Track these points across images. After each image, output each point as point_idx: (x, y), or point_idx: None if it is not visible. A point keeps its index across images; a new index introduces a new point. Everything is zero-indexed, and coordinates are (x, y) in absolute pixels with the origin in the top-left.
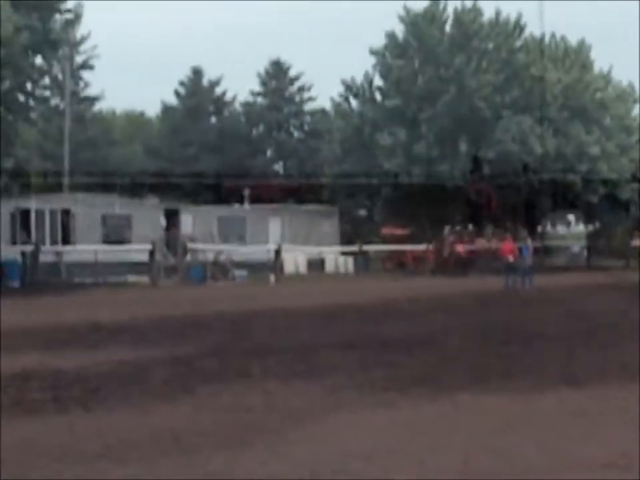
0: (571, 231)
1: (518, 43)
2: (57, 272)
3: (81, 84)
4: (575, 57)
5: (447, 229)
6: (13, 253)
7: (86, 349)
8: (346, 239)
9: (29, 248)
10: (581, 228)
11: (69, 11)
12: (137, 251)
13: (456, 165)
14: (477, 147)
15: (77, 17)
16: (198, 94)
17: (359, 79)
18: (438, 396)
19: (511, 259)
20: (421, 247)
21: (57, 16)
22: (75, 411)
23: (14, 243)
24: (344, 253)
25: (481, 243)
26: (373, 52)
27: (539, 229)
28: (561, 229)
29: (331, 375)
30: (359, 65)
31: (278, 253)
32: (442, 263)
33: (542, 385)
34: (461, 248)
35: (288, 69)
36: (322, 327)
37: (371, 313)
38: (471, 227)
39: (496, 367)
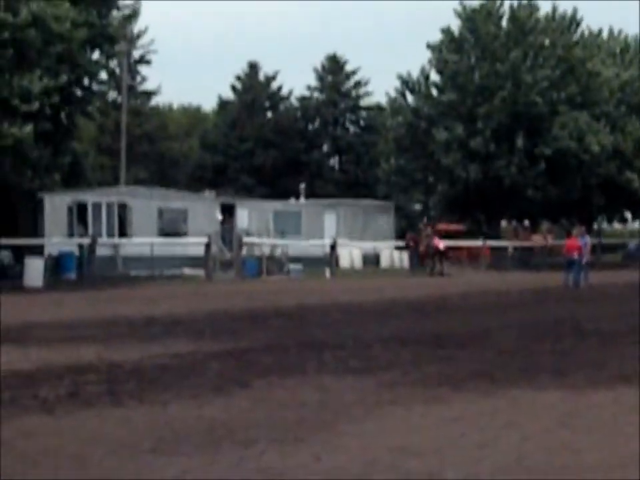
0: (627, 228)
1: (574, 38)
2: (113, 265)
3: (138, 78)
4: (633, 53)
5: (423, 222)
6: (70, 245)
7: (141, 342)
8: (401, 234)
9: (85, 241)
10: (637, 225)
11: (126, 6)
12: (193, 245)
13: (512, 160)
14: (533, 142)
15: (135, 13)
16: (254, 88)
17: (415, 73)
18: (492, 392)
19: (575, 255)
20: (477, 242)
21: (115, 12)
22: (130, 404)
23: (71, 235)
24: (399, 248)
25: (537, 239)
26: (429, 47)
27: (595, 225)
28: (617, 226)
29: (385, 371)
30: (416, 59)
31: (333, 247)
32: (420, 257)
33: (597, 381)
34: (438, 243)
35: (344, 64)
36: (377, 322)
37: (426, 307)
38: (527, 222)
39: (550, 363)
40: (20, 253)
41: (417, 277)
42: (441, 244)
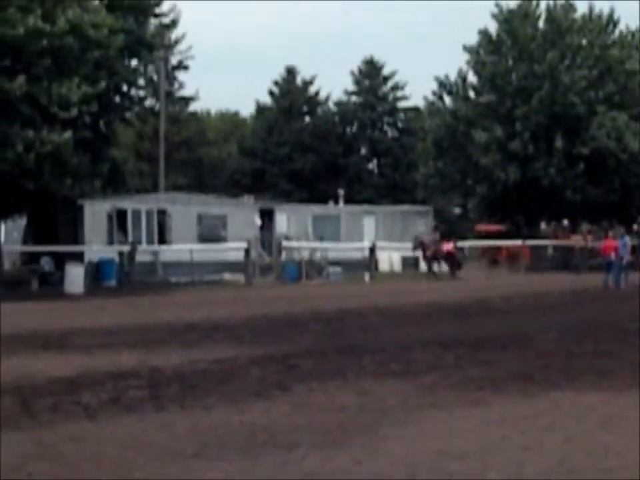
0: None
1: (612, 38)
2: (153, 271)
3: (176, 84)
4: None
5: (432, 228)
6: (109, 252)
7: (182, 347)
8: (440, 237)
9: (125, 248)
10: None
11: (164, 14)
12: (232, 250)
13: (551, 161)
14: (571, 143)
15: (173, 21)
16: (292, 93)
17: (452, 76)
18: (533, 394)
19: (612, 256)
20: (516, 243)
21: (152, 19)
22: (172, 409)
23: (111, 242)
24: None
25: (576, 239)
26: (466, 49)
27: (635, 226)
28: None
29: (426, 374)
30: (452, 62)
31: (372, 251)
32: (428, 261)
33: (638, 383)
34: (447, 246)
35: (381, 67)
36: (416, 325)
37: (466, 310)
38: (566, 223)
39: (592, 364)
40: (60, 260)
41: (457, 278)
42: (450, 246)
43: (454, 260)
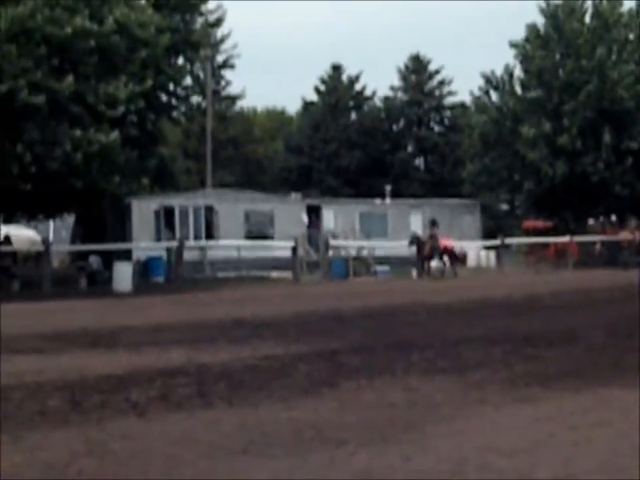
0: None
1: None
2: (201, 268)
3: (222, 83)
4: None
5: (428, 224)
6: (157, 249)
7: (230, 344)
8: (488, 233)
9: (173, 245)
10: None
11: (210, 12)
12: (280, 247)
13: (599, 156)
14: (619, 138)
15: (218, 19)
16: (338, 90)
17: (498, 71)
18: (581, 391)
19: None
20: (564, 240)
21: (198, 17)
22: (220, 406)
23: (158, 239)
24: (486, 247)
25: (624, 235)
26: (512, 44)
27: None
28: None
29: (474, 370)
30: (497, 57)
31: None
32: (423, 260)
33: None
34: (445, 243)
35: (428, 63)
36: (464, 322)
37: (514, 306)
38: (614, 218)
39: None
40: (109, 258)
41: (505, 275)
42: (448, 242)
43: (453, 256)
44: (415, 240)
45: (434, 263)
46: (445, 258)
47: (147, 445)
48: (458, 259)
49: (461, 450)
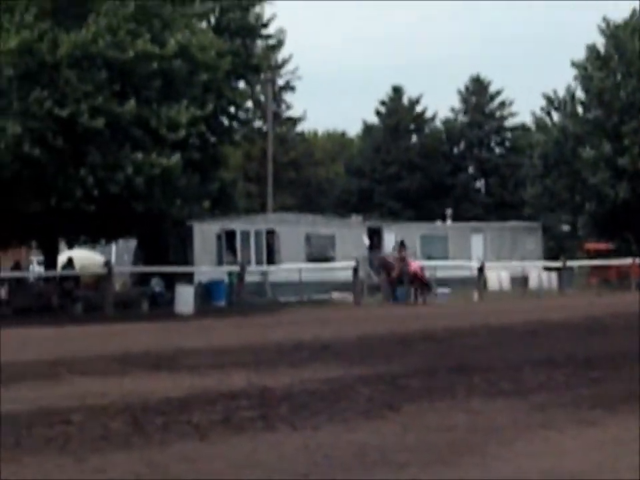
0: None
1: None
2: (262, 291)
3: (283, 105)
4: None
5: (394, 244)
6: (219, 273)
7: (292, 367)
8: (549, 255)
9: (234, 268)
10: None
11: (270, 36)
12: (341, 270)
13: None
14: None
15: (279, 42)
16: (398, 112)
17: (561, 92)
18: None
19: None
20: (626, 262)
21: (259, 41)
22: (282, 429)
23: (220, 263)
24: (547, 269)
25: None
26: (574, 64)
27: None
28: None
29: (536, 393)
30: (559, 78)
31: (481, 269)
32: (391, 284)
33: None
34: (415, 266)
35: (488, 84)
36: (526, 344)
37: (576, 329)
38: None
39: None
40: (170, 281)
41: (567, 297)
42: (417, 266)
43: (422, 282)
44: (383, 264)
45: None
46: (409, 283)
47: (208, 467)
48: (428, 285)
49: (523, 473)
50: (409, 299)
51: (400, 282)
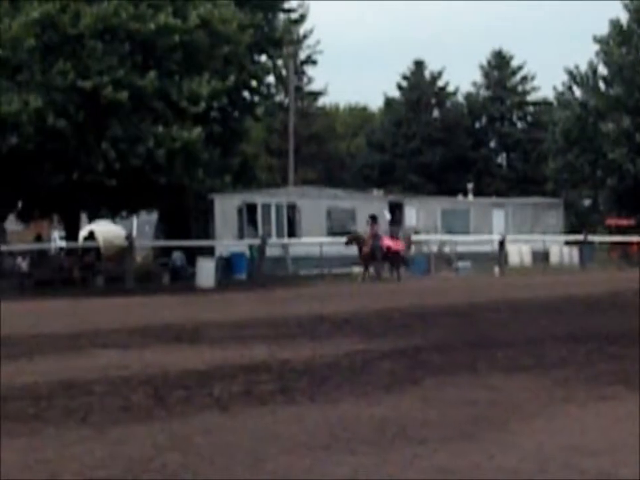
0: None
1: None
2: (283, 265)
3: (305, 79)
4: None
5: (368, 220)
6: (240, 246)
7: (312, 340)
8: (570, 230)
9: (255, 242)
10: None
11: (292, 10)
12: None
13: None
14: None
15: (301, 16)
16: (420, 87)
17: (583, 67)
18: None
19: None
20: None
21: (281, 15)
22: (302, 402)
23: (241, 237)
24: (568, 244)
25: None
26: (596, 40)
27: None
28: None
29: (557, 368)
30: (582, 53)
31: (502, 244)
32: (363, 260)
33: None
34: (389, 242)
35: (510, 59)
36: (547, 319)
37: (597, 304)
38: None
39: None
40: (192, 254)
41: (588, 272)
42: (391, 242)
43: (396, 258)
44: (355, 240)
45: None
46: (383, 259)
47: (229, 439)
48: (404, 260)
49: (544, 449)
50: (384, 275)
51: (373, 258)
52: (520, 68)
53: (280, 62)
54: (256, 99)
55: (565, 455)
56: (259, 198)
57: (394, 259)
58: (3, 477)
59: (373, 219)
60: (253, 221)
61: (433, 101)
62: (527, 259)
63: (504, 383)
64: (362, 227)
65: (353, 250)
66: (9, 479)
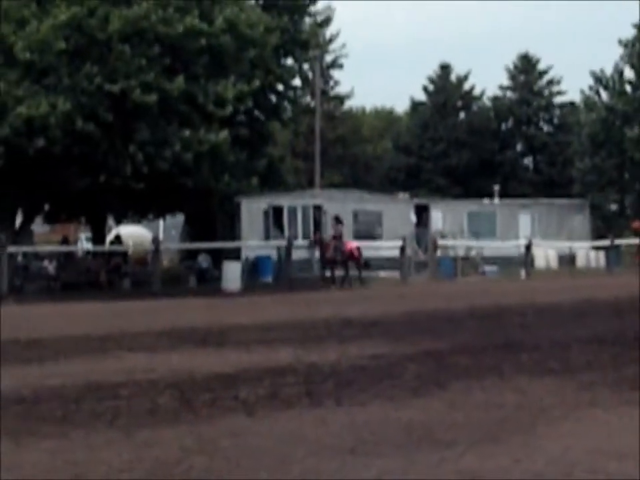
0: None
1: None
2: (309, 267)
3: (331, 82)
4: None
5: (332, 221)
6: (266, 249)
7: (338, 343)
8: (597, 234)
9: (282, 244)
10: None
11: (318, 13)
12: (388, 247)
13: None
14: None
15: (327, 19)
16: (446, 89)
17: (609, 70)
18: None
19: None
20: None
21: (307, 18)
22: (328, 405)
23: (267, 239)
24: (595, 248)
25: None
26: (621, 43)
27: None
28: None
29: (583, 372)
30: (608, 56)
31: (528, 248)
32: (325, 263)
33: None
34: (351, 246)
35: (537, 62)
36: (573, 323)
37: (623, 308)
38: None
39: None
40: (218, 257)
41: (614, 276)
42: (354, 246)
43: (357, 263)
44: (317, 243)
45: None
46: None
47: (255, 442)
48: (366, 265)
49: (570, 452)
50: (336, 283)
51: (335, 262)
52: (546, 71)
53: (306, 65)
54: (282, 102)
55: (591, 459)
56: (285, 200)
57: (356, 263)
58: (31, 477)
59: (337, 220)
60: (279, 224)
61: (459, 104)
62: (554, 263)
63: (530, 387)
64: (388, 230)
65: (380, 253)
66: (37, 479)
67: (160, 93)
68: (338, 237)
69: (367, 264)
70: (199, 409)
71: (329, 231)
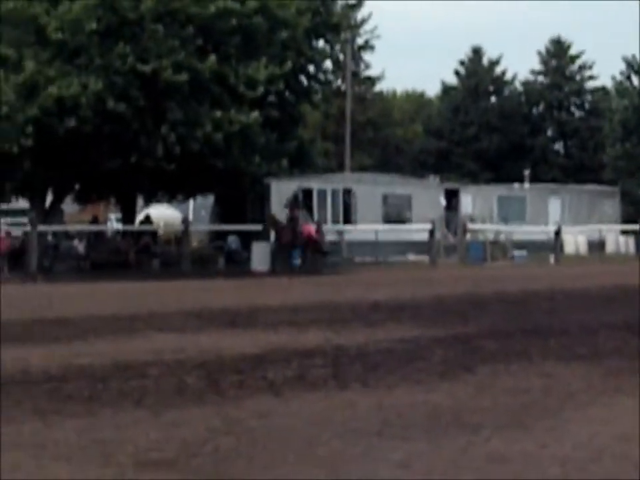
0: None
1: None
2: (338, 251)
3: (362, 65)
4: None
5: (286, 200)
6: None
7: (366, 326)
8: (627, 219)
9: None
10: None
11: None
12: (417, 231)
13: None
14: None
15: (359, 1)
16: (478, 73)
17: None
18: None
19: None
20: None
21: (339, 0)
22: (355, 388)
23: None
24: (625, 233)
25: None
26: None
27: None
28: None
29: (611, 358)
30: None
31: (558, 233)
32: (282, 248)
33: None
34: (310, 229)
35: (569, 47)
36: (602, 308)
37: None
38: None
39: None
40: (247, 238)
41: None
42: (312, 229)
43: (316, 247)
44: (273, 225)
45: None
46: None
47: (282, 423)
48: (324, 250)
49: (597, 438)
50: (300, 266)
51: (293, 246)
52: (578, 56)
53: (337, 47)
54: (313, 84)
55: (618, 445)
56: (315, 183)
57: (314, 247)
58: (57, 456)
59: (295, 200)
60: (308, 206)
61: (491, 88)
62: (583, 248)
63: (557, 371)
64: (418, 214)
65: (409, 236)
66: (64, 457)
67: (191, 73)
68: (293, 219)
69: (323, 251)
70: (226, 389)
71: (358, 215)
